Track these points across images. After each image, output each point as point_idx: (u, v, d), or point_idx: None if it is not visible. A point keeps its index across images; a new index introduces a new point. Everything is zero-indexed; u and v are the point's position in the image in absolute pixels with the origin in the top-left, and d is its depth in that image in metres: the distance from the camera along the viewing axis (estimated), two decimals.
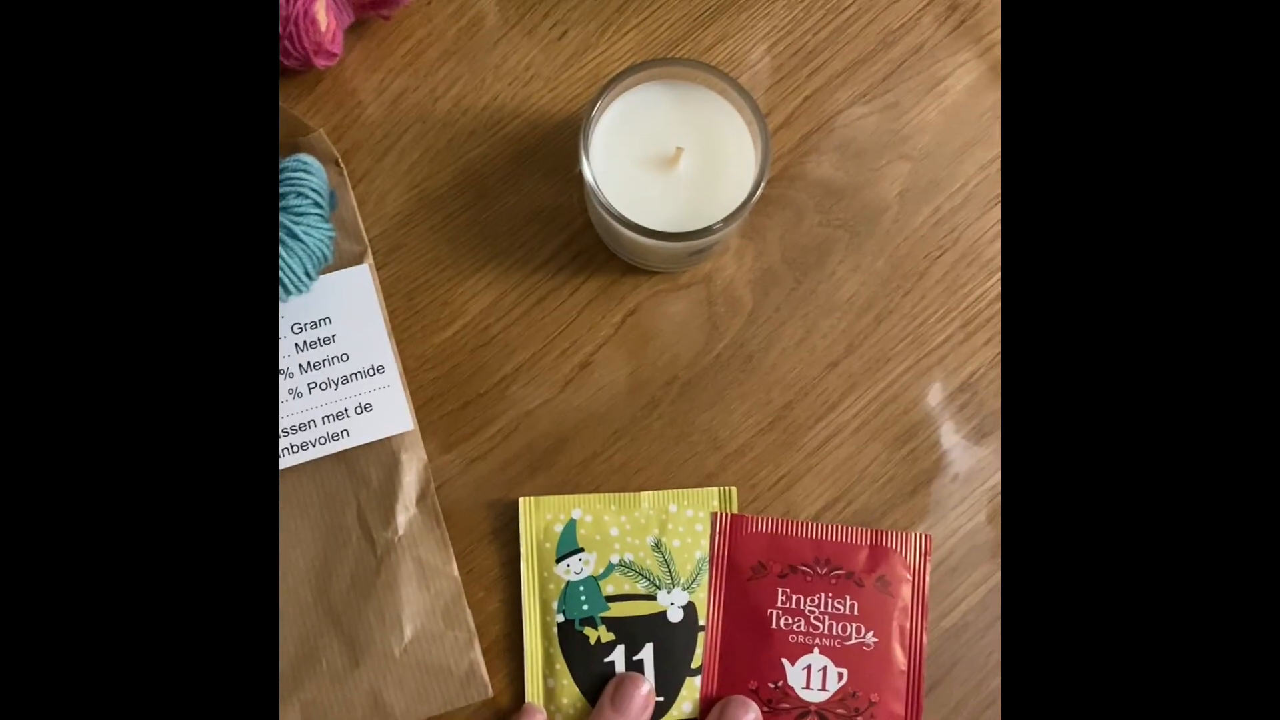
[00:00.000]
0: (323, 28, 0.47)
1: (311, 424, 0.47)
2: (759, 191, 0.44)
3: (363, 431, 0.47)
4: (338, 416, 0.47)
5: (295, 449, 0.46)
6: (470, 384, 0.48)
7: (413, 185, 0.50)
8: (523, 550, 0.47)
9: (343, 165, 0.49)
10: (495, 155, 0.50)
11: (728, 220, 0.43)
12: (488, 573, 0.47)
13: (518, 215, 0.50)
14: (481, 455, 0.48)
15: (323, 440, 0.47)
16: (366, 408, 0.47)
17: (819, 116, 0.50)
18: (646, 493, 0.47)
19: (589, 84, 0.50)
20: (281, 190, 0.45)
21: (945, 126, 0.51)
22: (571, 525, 0.47)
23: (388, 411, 0.47)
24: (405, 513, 0.46)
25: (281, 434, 0.46)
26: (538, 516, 0.47)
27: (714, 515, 0.47)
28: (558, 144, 0.50)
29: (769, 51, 0.51)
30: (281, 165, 0.45)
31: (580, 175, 0.45)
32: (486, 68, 0.51)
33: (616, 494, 0.47)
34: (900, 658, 0.46)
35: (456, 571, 0.47)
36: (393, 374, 0.48)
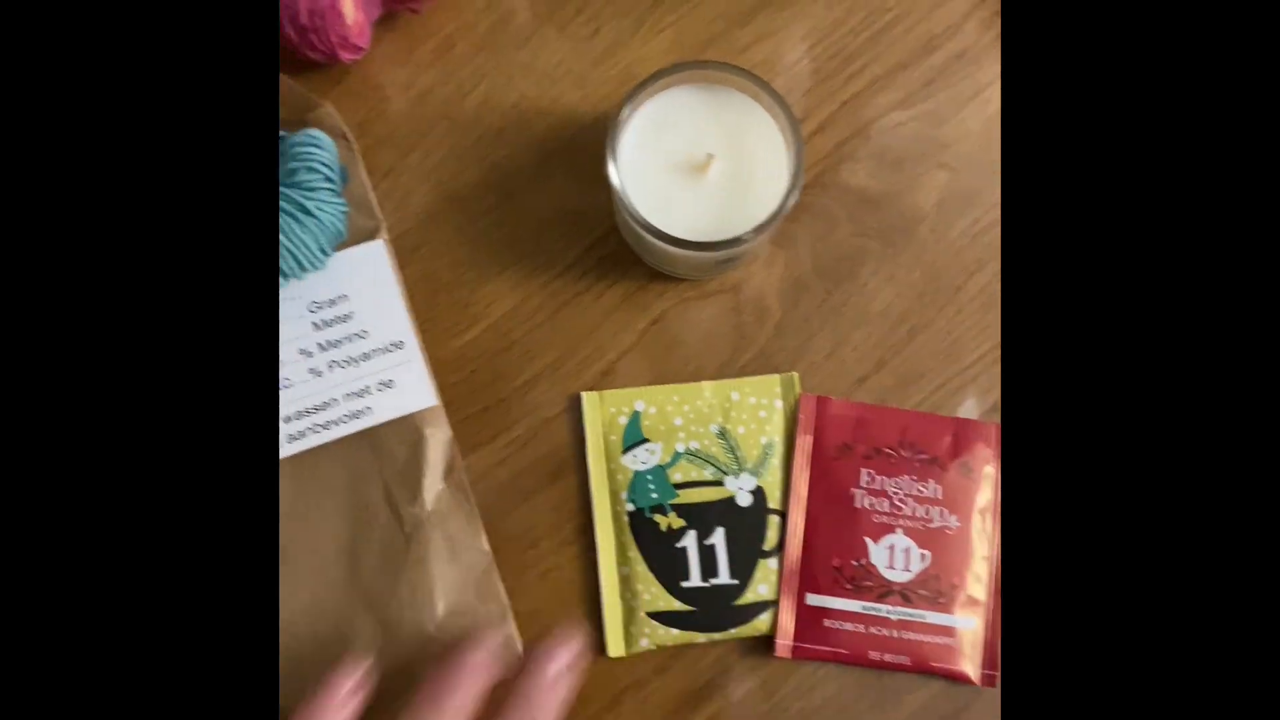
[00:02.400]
0: (349, 21, 0.46)
1: (333, 402, 0.46)
2: (791, 202, 0.42)
3: (385, 408, 0.46)
4: (359, 394, 0.46)
5: (318, 428, 0.46)
6: (490, 389, 0.47)
7: (438, 183, 0.49)
8: (589, 442, 0.47)
9: (352, 139, 0.48)
10: (522, 155, 0.49)
11: (758, 230, 0.42)
12: (504, 580, 0.46)
13: (543, 217, 0.48)
14: (500, 461, 0.47)
15: (345, 419, 0.46)
16: (388, 384, 0.46)
17: (856, 122, 0.49)
18: (708, 382, 0.47)
19: (620, 83, 0.49)
20: (292, 166, 0.44)
21: (986, 136, 0.49)
22: (636, 417, 0.47)
23: (409, 387, 0.46)
24: (432, 488, 0.46)
25: (303, 414, 0.46)
26: (602, 410, 0.47)
27: (800, 396, 0.47)
28: (586, 145, 0.49)
29: (808, 53, 0.49)
30: (291, 140, 0.44)
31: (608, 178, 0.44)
32: (515, 65, 0.49)
33: (678, 385, 0.47)
34: (981, 544, 0.45)
35: (487, 545, 0.46)
36: (413, 349, 0.47)
